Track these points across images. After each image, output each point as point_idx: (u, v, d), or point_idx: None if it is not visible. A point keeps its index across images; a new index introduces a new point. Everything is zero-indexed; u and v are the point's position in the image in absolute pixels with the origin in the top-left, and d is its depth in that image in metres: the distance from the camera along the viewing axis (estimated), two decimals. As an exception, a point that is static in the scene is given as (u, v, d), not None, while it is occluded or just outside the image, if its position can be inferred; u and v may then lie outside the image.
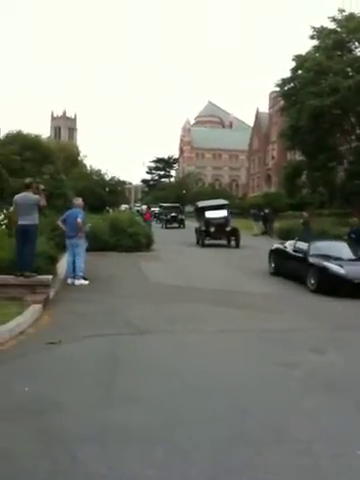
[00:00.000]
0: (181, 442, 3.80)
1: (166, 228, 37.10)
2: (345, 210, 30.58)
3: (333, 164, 32.67)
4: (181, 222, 38.54)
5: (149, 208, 48.13)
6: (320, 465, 3.51)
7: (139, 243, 18.49)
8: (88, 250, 12.04)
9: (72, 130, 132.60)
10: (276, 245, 14.47)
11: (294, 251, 12.74)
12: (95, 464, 3.46)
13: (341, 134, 32.45)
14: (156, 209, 48.93)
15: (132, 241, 18.26)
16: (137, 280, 12.14)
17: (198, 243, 22.35)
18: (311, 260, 11.58)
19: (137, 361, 5.87)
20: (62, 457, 3.54)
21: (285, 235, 26.11)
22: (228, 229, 21.58)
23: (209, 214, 22.55)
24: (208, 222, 21.95)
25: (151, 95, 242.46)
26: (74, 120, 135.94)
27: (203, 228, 22.04)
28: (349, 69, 29.13)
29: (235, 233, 21.61)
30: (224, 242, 22.18)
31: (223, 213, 22.82)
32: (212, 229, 21.52)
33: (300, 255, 12.22)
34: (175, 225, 38.10)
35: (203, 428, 4.06)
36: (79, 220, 11.08)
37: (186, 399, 4.69)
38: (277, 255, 13.68)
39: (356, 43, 30.01)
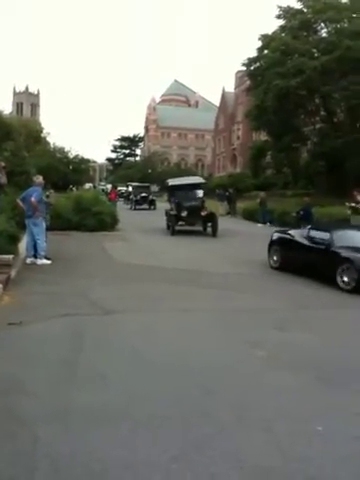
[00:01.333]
0: (145, 421, 3.82)
1: (135, 209, 34.92)
2: (308, 190, 31.04)
3: (297, 145, 32.94)
4: (151, 203, 36.03)
5: (115, 187, 47.47)
6: (281, 441, 3.58)
7: (104, 223, 18.28)
8: (48, 229, 11.80)
9: (35, 106, 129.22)
10: (277, 234, 12.18)
11: (310, 241, 10.60)
12: (58, 444, 3.43)
13: (306, 115, 32.68)
14: (123, 188, 47.82)
15: (96, 221, 18.05)
16: (102, 260, 12.02)
17: (168, 229, 19.04)
18: (343, 253, 9.50)
19: (102, 341, 5.83)
20: (24, 438, 3.49)
21: (249, 215, 26.51)
22: (204, 214, 18.17)
23: (181, 195, 19.34)
24: (180, 205, 18.42)
25: (117, 72, 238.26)
26: (37, 96, 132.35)
27: (174, 212, 18.56)
28: (315, 50, 29.22)
29: (212, 218, 18.29)
30: (199, 228, 18.84)
31: (198, 194, 19.69)
32: (184, 213, 18.11)
33: (320, 246, 10.17)
34: (145, 206, 35.63)
35: (168, 407, 4.08)
36: (33, 199, 10.74)
37: (151, 378, 4.70)
38: (283, 246, 11.44)
39: (322, 24, 30.06)
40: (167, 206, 21.18)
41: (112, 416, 3.88)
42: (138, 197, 36.43)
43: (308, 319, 7.20)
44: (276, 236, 12.04)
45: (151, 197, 36.81)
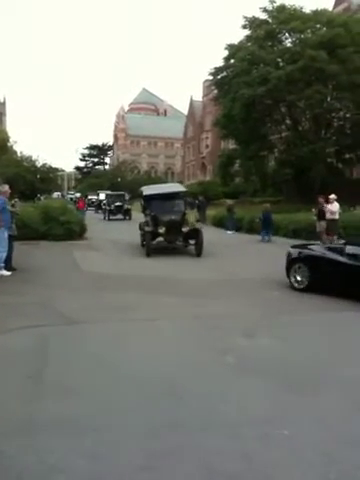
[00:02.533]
0: (112, 431, 3.77)
1: (109, 220, 32.70)
2: (276, 198, 31.51)
3: (265, 153, 33.44)
4: (126, 213, 33.29)
5: (86, 196, 46.77)
6: (249, 447, 3.58)
7: (72, 232, 18.12)
8: (15, 238, 11.57)
9: (0, 115, 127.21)
10: (298, 250, 10.41)
11: (351, 259, 9.01)
12: (22, 457, 3.36)
13: (272, 123, 33.23)
14: (94, 197, 46.50)
15: (64, 230, 17.87)
16: (69, 269, 11.87)
17: (143, 246, 15.78)
18: None
19: (68, 352, 5.73)
20: (-13, 453, 3.39)
21: (218, 223, 26.73)
22: (185, 230, 14.84)
23: (158, 206, 15.68)
24: (156, 219, 14.96)
25: (84, 80, 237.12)
26: (3, 104, 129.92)
27: (150, 228, 14.85)
28: (280, 60, 29.80)
29: (196, 235, 14.81)
30: (179, 246, 15.63)
31: (178, 205, 16.14)
32: (162, 229, 14.66)
33: None
34: (119, 216, 33.13)
35: (135, 417, 4.04)
36: None
37: (119, 389, 4.64)
38: (311, 265, 9.72)
39: (286, 34, 30.71)
40: (141, 218, 17.69)
41: (77, 428, 3.81)
42: (112, 207, 33.97)
43: (277, 325, 7.23)
44: (297, 253, 10.27)
45: (126, 206, 34.17)
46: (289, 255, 10.38)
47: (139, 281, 10.48)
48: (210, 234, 22.45)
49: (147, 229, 14.83)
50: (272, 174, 34.34)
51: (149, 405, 4.27)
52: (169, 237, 15.01)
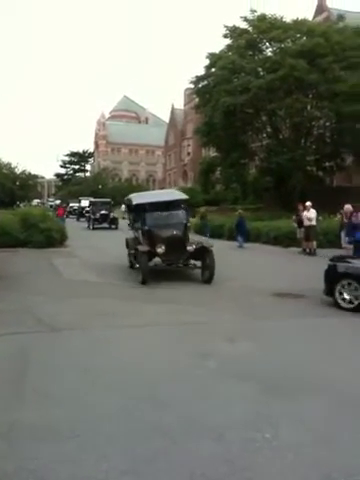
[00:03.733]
0: (94, 437, 3.74)
1: (93, 229, 30.90)
2: (257, 205, 31.72)
3: (245, 161, 33.68)
4: (113, 221, 31.71)
5: (67, 203, 46.08)
6: (231, 451, 3.59)
7: (52, 239, 17.98)
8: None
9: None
10: (343, 265, 9.06)
11: None
12: (2, 463, 3.32)
13: (253, 132, 33.49)
14: (75, 205, 45.55)
15: (44, 237, 17.72)
16: (50, 276, 11.78)
17: (131, 267, 12.97)
18: None
19: (49, 359, 5.68)
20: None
21: (198, 230, 26.94)
22: (191, 248, 11.61)
23: (153, 219, 12.32)
24: (152, 235, 11.86)
25: (65, 87, 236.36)
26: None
27: (144, 247, 11.59)
28: (260, 69, 30.10)
29: (206, 255, 11.50)
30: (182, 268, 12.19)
31: (179, 217, 12.68)
32: (161, 248, 11.41)
33: None
34: (105, 225, 31.39)
35: (117, 423, 4.02)
36: None
37: (100, 395, 4.62)
38: None
39: (267, 44, 31.06)
40: (127, 232, 14.88)
41: (59, 433, 3.79)
42: (97, 215, 31.88)
43: (257, 330, 7.27)
44: (344, 268, 8.94)
45: (112, 215, 32.52)
46: (333, 269, 9.01)
47: (121, 288, 10.44)
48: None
49: (141, 249, 11.40)
50: (253, 182, 34.59)
51: (130, 411, 4.26)
52: (170, 258, 11.50)
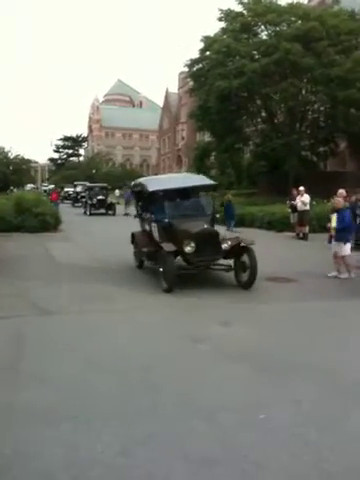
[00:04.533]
0: (89, 419, 3.78)
1: (90, 214, 29.96)
2: (251, 190, 31.74)
3: (240, 146, 33.58)
4: (110, 207, 30.71)
5: (62, 188, 45.60)
6: (225, 431, 3.63)
7: (46, 224, 17.93)
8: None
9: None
10: None
11: None
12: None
13: (248, 116, 33.34)
14: (70, 189, 44.87)
15: (38, 222, 17.67)
16: (44, 261, 11.76)
17: (140, 267, 11.01)
18: None
19: (44, 342, 5.71)
20: None
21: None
22: (226, 246, 9.31)
23: (174, 209, 9.97)
24: (175, 228, 9.50)
25: (59, 71, 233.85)
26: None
27: (169, 246, 9.07)
28: (255, 52, 29.85)
29: (245, 255, 9.21)
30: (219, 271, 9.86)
31: (204, 208, 10.36)
32: (190, 247, 9.02)
33: None
34: (102, 211, 30.37)
35: (112, 405, 4.06)
36: None
37: (94, 377, 4.65)
38: None
39: (262, 27, 30.77)
40: (133, 224, 12.43)
41: (54, 416, 3.82)
42: (94, 200, 30.93)
43: (250, 313, 7.33)
44: None
45: (109, 200, 31.66)
46: None
47: (114, 273, 10.42)
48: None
49: (167, 248, 8.90)
50: (247, 167, 34.56)
51: (124, 393, 4.30)
52: (202, 258, 9.08)
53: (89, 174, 63.49)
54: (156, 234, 10.00)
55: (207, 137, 42.08)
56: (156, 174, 70.96)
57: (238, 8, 31.06)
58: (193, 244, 8.95)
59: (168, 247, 8.98)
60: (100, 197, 31.09)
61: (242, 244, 9.30)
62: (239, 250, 9.33)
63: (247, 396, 4.28)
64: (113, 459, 3.24)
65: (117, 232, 13.16)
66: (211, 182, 11.47)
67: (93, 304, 7.60)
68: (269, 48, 27.77)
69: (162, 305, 7.71)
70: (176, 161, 68.89)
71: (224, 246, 9.26)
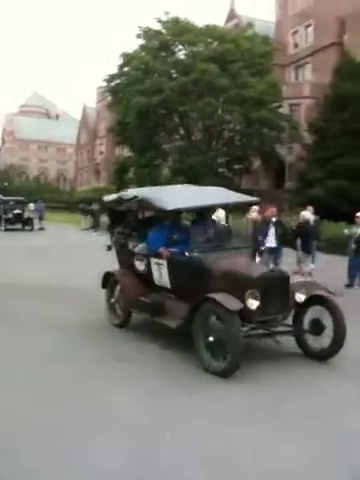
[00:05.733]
0: None
1: (5, 230, 27.74)
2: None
3: (159, 161, 33.96)
4: (27, 222, 28.77)
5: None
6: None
7: None
8: None
9: None
10: None
11: None
12: None
13: (166, 133, 33.85)
14: None
15: None
16: None
17: (122, 325, 7.10)
18: None
19: None
20: None
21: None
22: (300, 297, 5.96)
23: (201, 238, 6.60)
24: (213, 269, 5.93)
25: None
26: None
27: (233, 302, 5.29)
28: (173, 71, 30.49)
29: (318, 305, 5.96)
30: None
31: (242, 234, 8.64)
32: (255, 302, 5.46)
33: None
34: (18, 226, 28.48)
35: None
36: None
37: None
38: None
39: (180, 46, 31.51)
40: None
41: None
42: (10, 214, 28.87)
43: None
44: None
45: (27, 214, 29.66)
46: None
47: (27, 290, 9.96)
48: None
49: (232, 306, 5.27)
50: (166, 182, 34.89)
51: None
52: (267, 317, 5.73)
53: (1, 187, 60.95)
54: (165, 276, 6.52)
55: (126, 152, 42.11)
56: (73, 189, 69.90)
57: (157, 26, 31.65)
58: (258, 295, 5.52)
59: (233, 304, 5.31)
60: (17, 211, 29.22)
61: (324, 293, 6.06)
62: (309, 301, 6.07)
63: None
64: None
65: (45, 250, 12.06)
66: (253, 198, 8.73)
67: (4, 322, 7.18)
68: (186, 67, 28.54)
69: (89, 322, 7.43)
70: (94, 175, 68.15)
71: (298, 297, 5.98)
